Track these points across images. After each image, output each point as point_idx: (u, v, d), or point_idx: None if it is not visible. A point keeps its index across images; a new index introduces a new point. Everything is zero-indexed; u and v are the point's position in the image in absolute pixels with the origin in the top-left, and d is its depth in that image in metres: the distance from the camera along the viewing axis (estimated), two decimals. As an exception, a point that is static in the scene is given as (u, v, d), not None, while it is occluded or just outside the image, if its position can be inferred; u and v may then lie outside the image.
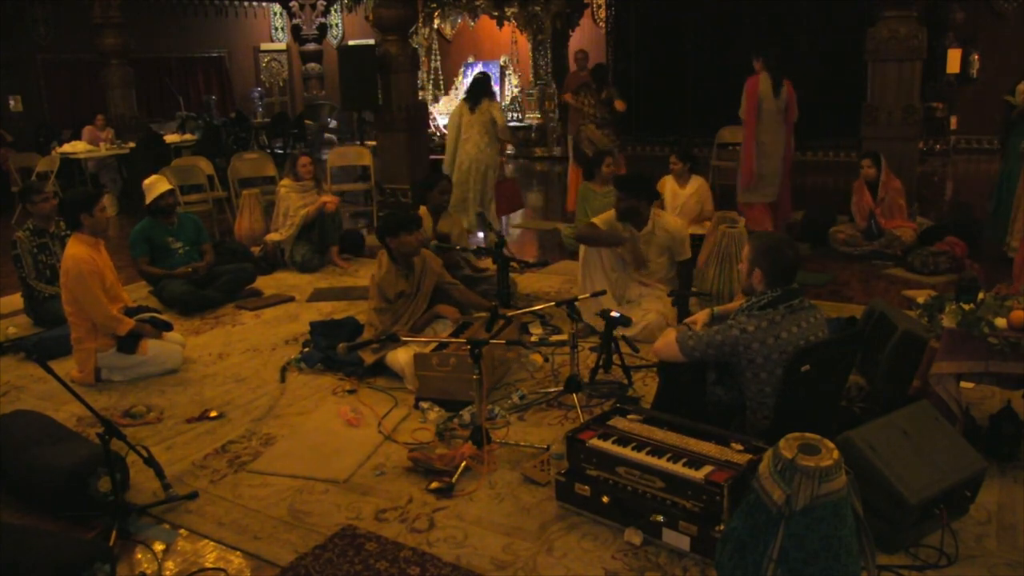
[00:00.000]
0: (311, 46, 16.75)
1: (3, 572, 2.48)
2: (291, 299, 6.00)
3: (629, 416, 3.19)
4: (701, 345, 3.12)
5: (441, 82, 15.66)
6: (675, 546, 2.76)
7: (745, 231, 5.34)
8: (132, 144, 10.07)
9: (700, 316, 3.55)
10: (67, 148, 10.15)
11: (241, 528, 3.05)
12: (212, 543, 2.98)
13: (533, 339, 4.85)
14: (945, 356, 3.26)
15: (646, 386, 4.16)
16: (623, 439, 2.98)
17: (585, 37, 14.26)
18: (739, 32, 12.60)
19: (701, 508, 2.71)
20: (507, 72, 14.99)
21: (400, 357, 4.28)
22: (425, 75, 15.15)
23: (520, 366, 4.52)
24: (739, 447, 2.87)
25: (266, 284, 6.36)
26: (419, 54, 12.35)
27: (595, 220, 5.03)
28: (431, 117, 13.64)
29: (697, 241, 5.51)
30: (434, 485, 3.24)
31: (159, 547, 2.96)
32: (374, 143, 9.58)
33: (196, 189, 8.73)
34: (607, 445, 2.96)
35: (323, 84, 16.90)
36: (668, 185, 6.59)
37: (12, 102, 12.88)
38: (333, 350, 4.49)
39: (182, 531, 3.06)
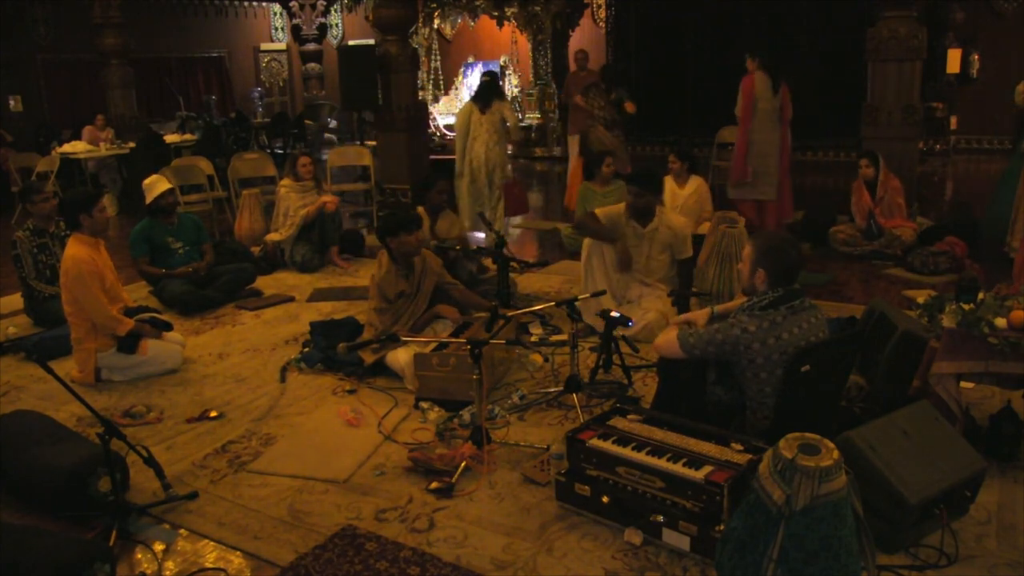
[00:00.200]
0: (311, 46, 16.74)
1: (3, 572, 2.48)
2: (291, 299, 6.00)
3: (629, 416, 3.19)
4: (702, 343, 3.12)
5: (441, 82, 15.68)
6: (675, 546, 2.76)
7: (745, 231, 5.34)
8: (132, 144, 10.07)
9: (700, 315, 3.55)
10: (67, 148, 10.14)
11: (241, 528, 3.05)
12: (212, 543, 2.98)
13: (533, 339, 4.85)
14: (945, 356, 3.25)
15: (646, 386, 4.16)
16: (623, 439, 2.98)
17: (585, 37, 14.26)
18: (739, 32, 12.60)
19: (701, 508, 2.71)
20: (507, 72, 14.99)
21: (400, 357, 4.28)
22: (425, 75, 15.16)
23: (520, 366, 4.52)
24: (739, 447, 2.87)
25: (266, 284, 6.36)
26: (419, 54, 12.38)
27: (598, 211, 5.03)
28: (431, 117, 13.64)
29: (697, 242, 5.50)
30: (434, 485, 3.24)
31: (159, 547, 2.96)
32: (374, 143, 9.59)
33: (196, 189, 8.73)
34: (607, 445, 2.96)
35: (323, 84, 16.89)
36: (667, 185, 6.58)
37: (12, 102, 12.87)
38: (333, 350, 4.49)
39: (182, 531, 3.06)
